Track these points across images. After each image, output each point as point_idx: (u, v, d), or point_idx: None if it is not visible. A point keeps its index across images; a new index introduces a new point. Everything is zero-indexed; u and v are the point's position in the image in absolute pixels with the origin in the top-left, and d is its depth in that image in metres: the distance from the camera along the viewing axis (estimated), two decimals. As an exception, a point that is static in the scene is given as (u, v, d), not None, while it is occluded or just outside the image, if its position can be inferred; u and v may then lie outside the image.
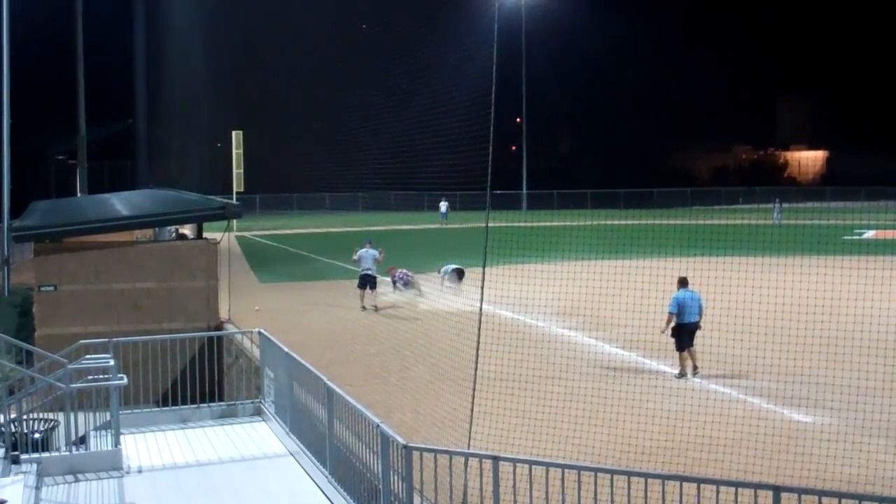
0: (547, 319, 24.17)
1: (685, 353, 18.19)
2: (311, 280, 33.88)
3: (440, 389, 16.12)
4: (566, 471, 8.98)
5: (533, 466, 9.16)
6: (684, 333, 18.22)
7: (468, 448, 11.40)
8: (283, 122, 68.11)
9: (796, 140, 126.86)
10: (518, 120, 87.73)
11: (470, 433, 11.97)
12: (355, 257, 27.91)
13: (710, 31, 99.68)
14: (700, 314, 18.47)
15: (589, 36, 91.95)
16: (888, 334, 17.17)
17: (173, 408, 15.93)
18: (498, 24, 13.62)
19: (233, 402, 16.86)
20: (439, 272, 30.03)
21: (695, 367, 18.14)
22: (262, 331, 16.11)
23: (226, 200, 27.83)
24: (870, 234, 51.84)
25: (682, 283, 18.72)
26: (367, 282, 27.25)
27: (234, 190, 51.72)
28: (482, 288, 12.73)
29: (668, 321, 18.49)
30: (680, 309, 18.34)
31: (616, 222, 40.13)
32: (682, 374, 18.04)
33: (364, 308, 26.92)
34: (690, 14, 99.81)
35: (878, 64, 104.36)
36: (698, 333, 18.31)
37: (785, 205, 69.22)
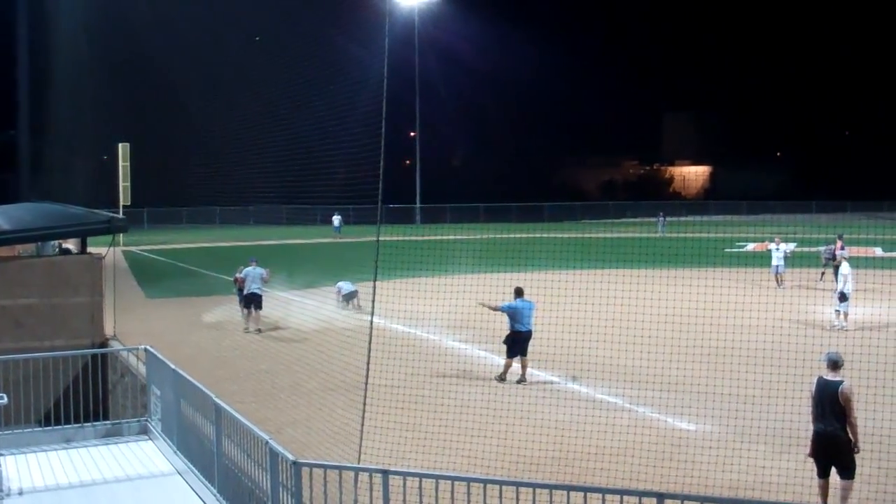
0: (439, 332, 24.26)
1: (510, 361, 18.61)
2: (201, 295, 33.33)
3: (332, 405, 16.03)
4: (456, 483, 9.04)
5: (423, 480, 9.19)
6: (518, 341, 18.60)
7: (358, 463, 11.38)
8: (172, 134, 66.91)
9: (681, 156, 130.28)
10: (412, 134, 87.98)
11: (360, 448, 11.95)
12: (240, 275, 26.67)
13: (600, 51, 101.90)
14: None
15: (483, 53, 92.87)
16: (767, 343, 17.74)
17: (56, 427, 15.45)
18: (391, 40, 13.66)
19: (118, 421, 16.44)
20: (336, 287, 29.85)
21: (522, 377, 18.50)
22: (148, 347, 15.78)
23: (111, 214, 27.16)
24: (751, 246, 53.46)
25: (518, 293, 19.12)
26: (253, 301, 26.19)
27: (121, 203, 50.65)
28: (373, 302, 12.74)
29: (494, 309, 18.97)
30: (514, 317, 18.69)
31: (508, 236, 40.54)
32: (502, 378, 18.43)
33: (247, 330, 26.00)
34: (582, 33, 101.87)
35: (759, 83, 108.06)
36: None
37: (670, 218, 70.98)
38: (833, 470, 11.19)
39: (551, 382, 18.55)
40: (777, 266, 33.32)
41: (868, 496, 11.41)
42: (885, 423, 13.46)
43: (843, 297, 24.58)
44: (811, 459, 11.53)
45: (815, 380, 11.44)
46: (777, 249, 33.66)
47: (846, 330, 24.01)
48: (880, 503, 11.19)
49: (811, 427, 11.41)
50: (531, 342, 18.83)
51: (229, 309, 28.71)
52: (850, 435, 11.09)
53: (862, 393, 13.85)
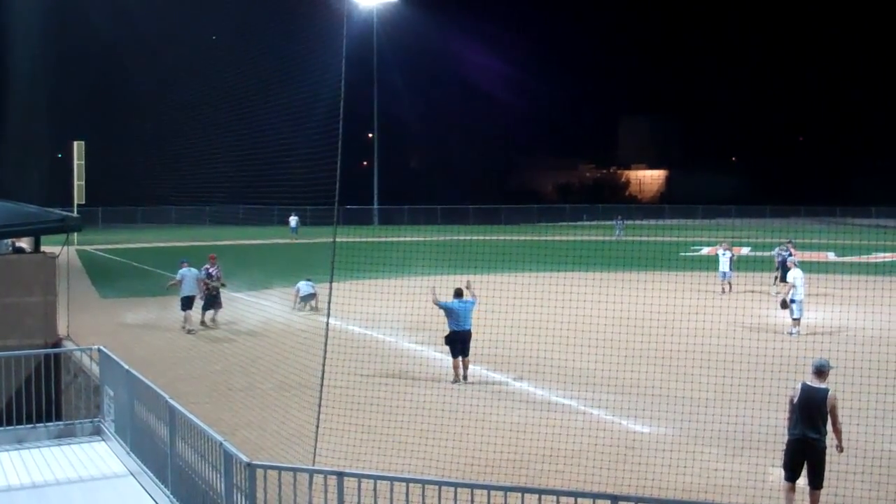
0: (395, 334, 24.25)
1: (457, 362, 18.64)
2: (156, 295, 33.00)
3: (287, 406, 15.96)
4: (411, 485, 9.04)
5: (378, 481, 9.19)
6: (457, 341, 18.64)
7: (313, 464, 11.34)
8: (128, 133, 66.32)
9: (637, 160, 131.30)
10: (370, 136, 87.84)
11: (315, 449, 11.91)
12: (179, 277, 26.30)
13: (558, 55, 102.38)
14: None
15: (442, 56, 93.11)
16: (721, 347, 17.90)
17: (8, 428, 15.26)
18: (350, 41, 13.63)
19: (71, 422, 16.27)
20: (295, 288, 29.72)
21: (464, 376, 18.60)
22: (101, 348, 15.63)
23: (66, 213, 26.85)
24: (706, 250, 53.94)
25: (458, 293, 19.16)
26: (187, 304, 26.07)
27: (75, 202, 50.04)
28: (329, 303, 12.71)
29: (434, 302, 19.08)
30: (450, 316, 18.77)
31: (465, 238, 40.62)
32: (456, 380, 18.50)
33: (189, 331, 25.70)
34: (540, 37, 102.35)
35: (715, 89, 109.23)
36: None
37: (627, 221, 71.48)
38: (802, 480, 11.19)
39: (507, 384, 18.60)
40: (725, 272, 33.62)
41: (823, 500, 11.54)
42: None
43: (784, 305, 24.84)
44: (763, 463, 11.64)
45: (798, 386, 11.35)
46: (724, 254, 33.95)
47: (798, 335, 24.31)
48: (830, 504, 11.35)
49: (787, 432, 11.37)
50: (483, 344, 18.86)
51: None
52: (837, 440, 11.22)
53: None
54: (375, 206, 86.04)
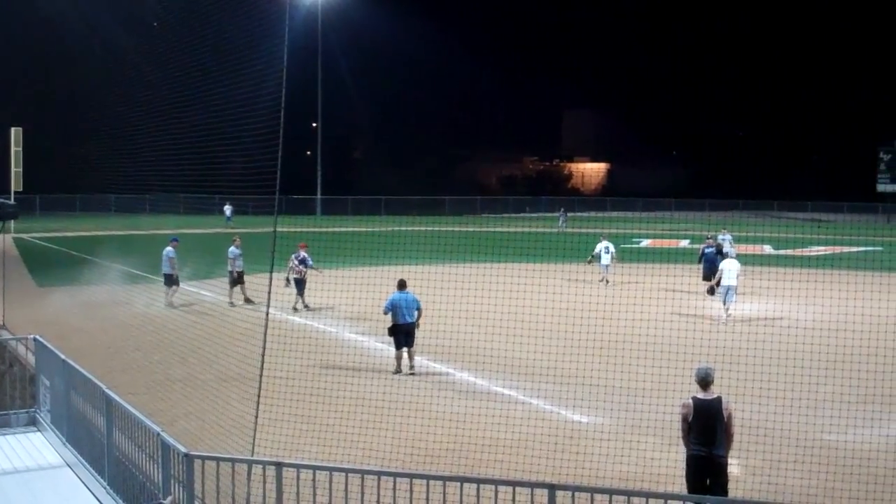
0: (337, 325, 24.19)
1: (400, 353, 18.78)
2: (94, 284, 32.56)
3: (227, 397, 15.86)
4: (350, 475, 9.05)
5: (317, 472, 9.18)
6: (400, 333, 18.79)
7: (252, 455, 11.29)
8: (66, 120, 65.13)
9: (580, 153, 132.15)
10: (314, 125, 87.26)
11: (254, 440, 11.85)
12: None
13: (503, 47, 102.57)
14: (418, 315, 18.99)
15: (386, 47, 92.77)
16: (658, 337, 18.14)
17: (-61, 419, 14.99)
18: (293, 30, 13.55)
19: (6, 412, 15.97)
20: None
21: (410, 367, 18.70)
22: (37, 337, 15.38)
23: (2, 200, 26.38)
24: (646, 242, 54.54)
25: (401, 285, 19.26)
26: (168, 280, 28.14)
27: (12, 189, 49.09)
28: (269, 293, 12.64)
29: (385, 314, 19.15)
30: (394, 310, 18.85)
31: (409, 229, 40.57)
32: (397, 371, 18.61)
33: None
34: (484, 30, 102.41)
35: (657, 83, 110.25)
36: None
37: (569, 214, 71.90)
38: None
39: (448, 375, 18.66)
40: (607, 266, 34.00)
41: (754, 487, 11.76)
42: (769, 416, 13.91)
43: (711, 291, 25.32)
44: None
45: (689, 402, 10.62)
46: (605, 249, 34.31)
47: (727, 323, 24.71)
48: (765, 493, 11.53)
49: (685, 452, 10.76)
50: (425, 334, 18.92)
51: (123, 298, 28.16)
52: (726, 448, 10.56)
53: (748, 387, 14.33)
54: (318, 196, 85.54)
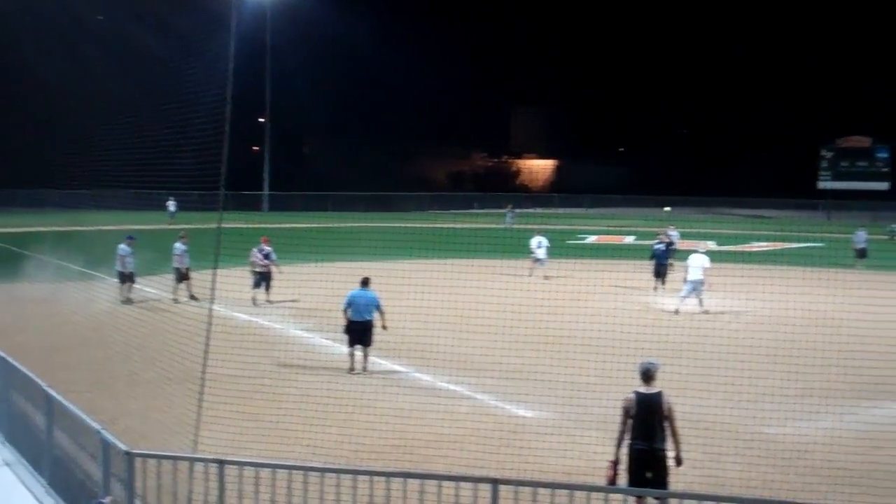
0: (283, 321, 24.06)
1: (352, 351, 18.62)
2: (35, 281, 32.03)
3: (170, 395, 15.71)
4: (293, 472, 9.02)
5: (260, 469, 9.14)
6: (353, 331, 18.61)
7: (194, 453, 11.20)
8: (5, 113, 63.98)
9: (528, 149, 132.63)
10: (261, 120, 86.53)
11: (196, 438, 11.76)
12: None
13: (451, 43, 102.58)
14: (375, 313, 18.77)
15: (334, 41, 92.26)
16: (603, 332, 18.25)
17: None
18: (242, 22, 13.43)
19: (-58, 412, 15.71)
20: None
21: (363, 367, 18.54)
22: (-25, 335, 15.14)
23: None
24: (592, 238, 54.95)
25: (363, 282, 19.11)
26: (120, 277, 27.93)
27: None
28: (213, 289, 12.55)
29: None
30: (352, 307, 18.70)
31: (357, 225, 40.51)
32: (351, 370, 18.44)
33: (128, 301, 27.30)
34: (433, 25, 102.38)
35: (604, 82, 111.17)
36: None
37: (517, 210, 72.13)
38: None
39: (394, 371, 18.66)
40: (541, 260, 34.29)
41: (695, 480, 11.89)
42: (711, 410, 14.10)
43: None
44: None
45: (631, 396, 10.79)
46: (539, 245, 34.60)
47: (678, 315, 25.08)
48: (705, 486, 11.67)
49: (625, 447, 10.78)
50: (377, 333, 18.82)
51: (65, 294, 27.76)
52: (676, 450, 10.70)
53: (691, 381, 14.49)
54: (266, 192, 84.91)
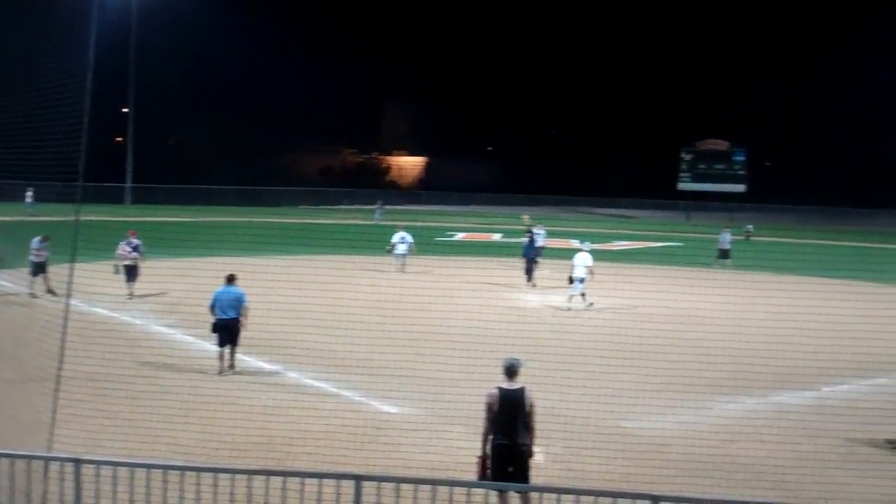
0: (145, 317, 23.51)
1: (222, 351, 17.99)
2: None
3: (25, 392, 15.19)
4: (152, 470, 8.86)
5: (118, 468, 8.95)
6: (218, 329, 18.05)
7: (49, 452, 10.87)
8: None
9: (398, 146, 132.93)
10: (125, 110, 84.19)
11: (52, 437, 11.41)
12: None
13: (322, 38, 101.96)
14: (239, 312, 18.16)
15: (203, 33, 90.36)
16: (469, 328, 18.44)
17: None
18: (104, 9, 13.03)
19: None
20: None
21: (230, 366, 17.94)
22: None
23: None
24: (460, 235, 55.43)
25: (228, 279, 18.52)
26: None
27: None
28: (69, 284, 12.20)
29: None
30: (216, 304, 18.20)
31: (225, 219, 39.91)
32: (220, 371, 17.87)
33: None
34: (304, 20, 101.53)
35: (474, 81, 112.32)
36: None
37: (387, 206, 72.25)
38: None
39: (260, 368, 18.44)
40: (402, 255, 34.69)
41: (555, 474, 12.14)
42: (573, 404, 14.40)
43: (571, 280, 26.59)
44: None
45: (494, 391, 10.82)
46: (402, 241, 34.98)
47: (569, 310, 25.73)
48: (566, 480, 11.91)
49: (488, 444, 10.78)
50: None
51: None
52: (530, 441, 10.77)
53: (554, 376, 14.78)
54: (129, 185, 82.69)
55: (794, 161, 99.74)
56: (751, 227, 60.29)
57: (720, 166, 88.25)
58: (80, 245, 12.55)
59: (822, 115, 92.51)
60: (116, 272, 26.10)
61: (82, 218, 12.82)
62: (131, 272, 26.34)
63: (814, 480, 12.19)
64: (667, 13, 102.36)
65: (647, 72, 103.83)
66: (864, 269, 31.09)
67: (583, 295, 26.84)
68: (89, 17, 12.89)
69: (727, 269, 36.70)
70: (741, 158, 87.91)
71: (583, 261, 27.05)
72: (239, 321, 18.10)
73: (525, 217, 33.20)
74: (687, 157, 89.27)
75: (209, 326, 18.25)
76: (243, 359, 18.85)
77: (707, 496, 10.36)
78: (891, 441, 14.09)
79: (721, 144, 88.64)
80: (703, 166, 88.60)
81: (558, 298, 27.57)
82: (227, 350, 18.01)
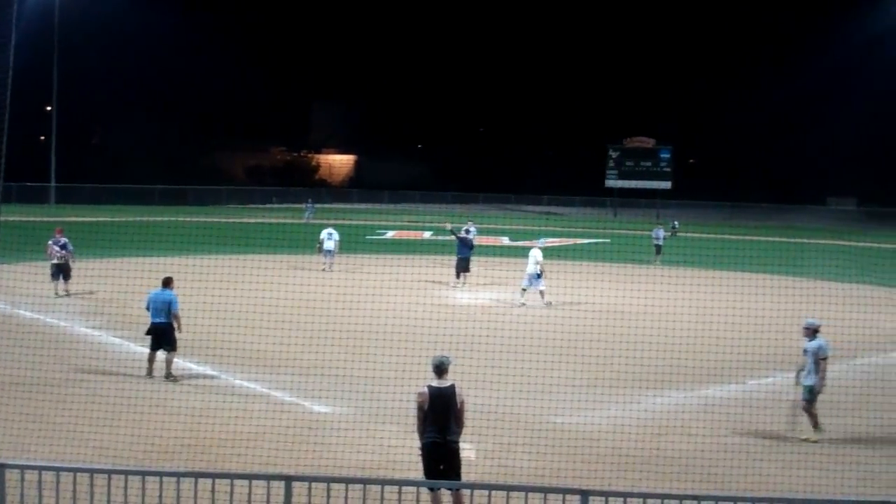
0: (69, 319, 23.08)
1: (153, 355, 17.47)
2: None
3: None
4: (78, 474, 8.74)
5: (43, 472, 8.80)
6: (153, 333, 17.53)
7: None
8: None
9: (328, 144, 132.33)
10: (48, 108, 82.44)
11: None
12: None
13: (250, 36, 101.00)
14: (170, 317, 17.51)
15: (129, 30, 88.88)
16: (399, 327, 18.50)
17: None
18: (27, 9, 12.80)
19: None
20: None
21: (167, 373, 17.32)
22: None
23: None
24: (391, 234, 55.37)
25: (165, 283, 17.93)
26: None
27: None
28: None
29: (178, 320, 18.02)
30: (150, 307, 17.73)
31: (150, 219, 39.36)
32: (148, 374, 17.35)
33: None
34: (232, 17, 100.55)
35: (403, 79, 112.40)
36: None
37: (317, 205, 71.87)
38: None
39: (189, 369, 18.22)
40: (330, 251, 34.67)
41: (487, 470, 12.23)
42: (503, 401, 14.51)
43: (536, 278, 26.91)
44: None
45: (424, 390, 10.79)
46: (329, 237, 34.96)
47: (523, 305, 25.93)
48: (497, 476, 12.02)
49: (420, 441, 10.85)
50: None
51: None
52: (458, 433, 10.76)
53: (485, 373, 14.90)
54: (52, 184, 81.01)
55: (717, 159, 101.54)
56: (676, 223, 61.18)
57: (647, 164, 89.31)
58: (1, 246, 12.32)
59: (744, 115, 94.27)
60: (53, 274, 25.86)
61: (4, 218, 12.57)
62: (61, 271, 25.91)
63: (740, 472, 12.46)
64: (595, 13, 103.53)
65: (576, 71, 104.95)
66: (784, 264, 31.79)
67: (541, 292, 26.94)
68: (9, 12, 12.65)
69: (661, 266, 37.22)
70: (667, 156, 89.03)
71: (534, 257, 27.21)
72: (171, 325, 17.64)
73: (447, 224, 33.20)
74: (614, 154, 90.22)
75: (145, 328, 17.90)
76: (174, 361, 18.60)
77: (636, 489, 10.51)
78: (805, 439, 14.43)
79: (647, 142, 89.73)
80: (630, 164, 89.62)
81: (484, 295, 27.70)
82: (160, 354, 17.51)
